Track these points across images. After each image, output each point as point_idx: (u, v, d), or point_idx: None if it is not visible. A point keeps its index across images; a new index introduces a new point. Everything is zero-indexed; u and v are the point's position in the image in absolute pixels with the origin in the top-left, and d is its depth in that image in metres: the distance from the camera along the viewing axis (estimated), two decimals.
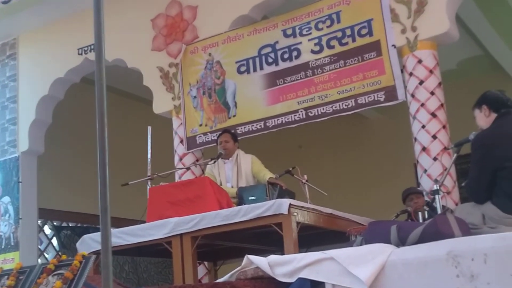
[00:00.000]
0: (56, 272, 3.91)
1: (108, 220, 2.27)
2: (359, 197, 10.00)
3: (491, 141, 3.58)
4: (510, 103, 3.75)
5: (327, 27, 6.64)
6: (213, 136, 7.01)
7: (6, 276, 4.10)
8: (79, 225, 10.01)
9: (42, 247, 9.55)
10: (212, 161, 5.92)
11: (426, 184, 5.72)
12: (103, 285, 2.21)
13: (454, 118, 6.25)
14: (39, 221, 8.99)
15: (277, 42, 6.96)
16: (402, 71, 6.14)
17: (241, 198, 5.37)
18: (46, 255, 9.64)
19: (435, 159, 5.73)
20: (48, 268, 3.96)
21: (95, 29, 2.24)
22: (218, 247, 6.07)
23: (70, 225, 9.88)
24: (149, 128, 6.27)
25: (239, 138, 6.77)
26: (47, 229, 9.80)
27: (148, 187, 5.87)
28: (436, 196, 3.85)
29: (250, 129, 6.96)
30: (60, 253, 9.33)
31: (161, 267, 10.14)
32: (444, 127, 5.86)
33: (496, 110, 3.74)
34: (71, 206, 9.64)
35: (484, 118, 3.79)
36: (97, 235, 5.41)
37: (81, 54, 8.27)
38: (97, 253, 5.34)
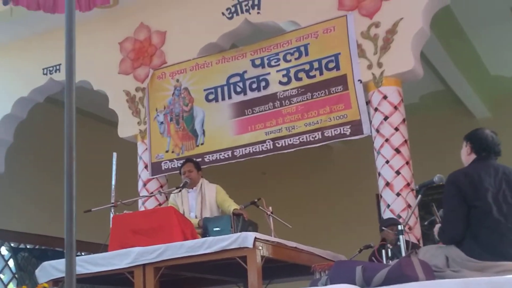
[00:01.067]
0: None
1: (74, 256, 2.24)
2: (322, 227, 10.07)
3: (463, 181, 3.62)
4: (497, 148, 3.76)
5: (295, 59, 6.71)
6: (179, 163, 6.98)
7: None
8: (37, 247, 9.81)
9: None
10: (177, 190, 5.88)
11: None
12: None
13: (415, 151, 6.32)
14: None
15: (245, 71, 7.00)
16: (367, 103, 6.24)
17: (205, 228, 5.35)
18: (2, 276, 9.41)
19: (398, 194, 5.82)
20: None
21: (66, 51, 2.22)
22: (180, 276, 6.01)
23: (27, 246, 9.67)
24: (115, 154, 6.21)
25: (206, 166, 6.77)
26: (3, 250, 9.57)
27: (111, 214, 5.80)
28: (401, 237, 3.90)
29: (218, 158, 6.96)
30: (16, 275, 9.12)
31: None
32: (407, 163, 5.96)
33: (477, 152, 3.78)
34: (29, 227, 9.45)
35: (465, 155, 3.83)
36: (57, 263, 5.31)
37: (46, 74, 8.18)
38: (56, 281, 5.27)
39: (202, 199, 5.93)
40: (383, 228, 5.29)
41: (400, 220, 5.54)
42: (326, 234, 9.51)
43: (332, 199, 10.49)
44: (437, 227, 3.80)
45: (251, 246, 4.57)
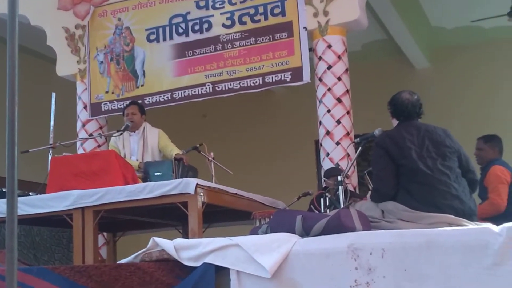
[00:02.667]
0: None
1: (15, 203, 2.20)
2: (262, 172, 10.15)
3: (388, 143, 3.75)
4: (417, 110, 3.88)
5: (240, 2, 6.64)
6: (119, 105, 6.90)
7: None
8: None
9: None
10: (118, 133, 5.81)
11: (327, 167, 5.92)
12: (7, 270, 2.16)
13: (355, 99, 6.40)
14: None
15: (188, 12, 6.88)
16: (310, 50, 6.26)
17: (146, 173, 5.33)
18: None
19: (337, 143, 5.93)
20: None
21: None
22: (119, 219, 6.02)
23: None
24: (53, 94, 6.04)
25: (146, 108, 6.68)
26: None
27: (50, 156, 5.69)
28: (340, 187, 4.00)
29: (158, 100, 6.89)
30: None
31: (54, 231, 9.92)
32: (348, 112, 6.07)
33: (396, 117, 3.92)
34: None
35: (390, 118, 3.97)
36: None
37: None
38: None
39: (144, 143, 5.88)
40: (325, 179, 5.40)
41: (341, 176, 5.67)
42: (265, 179, 9.60)
43: (273, 144, 10.55)
44: (369, 193, 3.93)
45: (192, 192, 4.61)
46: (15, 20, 2.08)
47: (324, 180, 5.41)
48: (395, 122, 3.93)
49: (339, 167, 5.65)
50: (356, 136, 5.50)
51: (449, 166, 3.70)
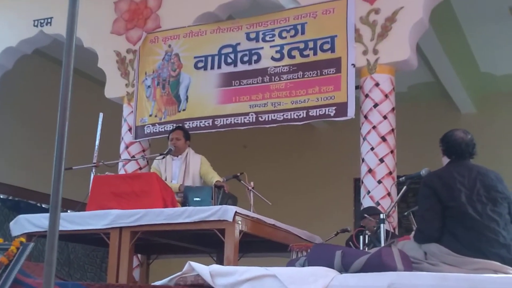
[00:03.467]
0: None
1: (58, 218, 2.21)
2: (299, 206, 10.09)
3: (437, 183, 3.64)
4: (470, 150, 3.78)
5: (291, 36, 6.67)
6: (161, 128, 6.98)
7: None
8: (10, 197, 9.73)
9: None
10: (161, 156, 5.85)
11: (367, 205, 5.84)
12: (44, 283, 2.15)
13: (398, 140, 6.32)
14: None
15: (239, 44, 6.95)
16: (357, 88, 6.24)
17: (186, 197, 5.33)
18: None
19: (379, 182, 5.85)
20: None
21: (69, 12, 2.15)
22: (154, 241, 6.01)
23: (1, 196, 9.58)
24: (101, 114, 6.12)
25: None
26: None
27: (92, 174, 5.75)
28: (381, 225, 3.93)
29: (198, 126, 6.91)
30: None
31: (89, 250, 10.01)
32: (392, 152, 5.99)
33: (448, 156, 3.81)
34: (3, 177, 9.34)
35: (441, 156, 3.87)
36: (32, 217, 5.28)
37: (37, 26, 8.03)
38: (30, 235, 5.24)
39: (186, 168, 5.91)
40: (366, 215, 5.30)
41: (379, 207, 5.60)
42: (302, 213, 9.54)
43: (311, 178, 10.51)
44: (413, 233, 3.83)
45: (230, 219, 4.58)
46: (72, 40, 2.12)
47: (365, 217, 5.32)
48: (445, 161, 3.80)
49: (379, 205, 5.57)
50: (398, 177, 5.42)
51: (499, 213, 3.56)
